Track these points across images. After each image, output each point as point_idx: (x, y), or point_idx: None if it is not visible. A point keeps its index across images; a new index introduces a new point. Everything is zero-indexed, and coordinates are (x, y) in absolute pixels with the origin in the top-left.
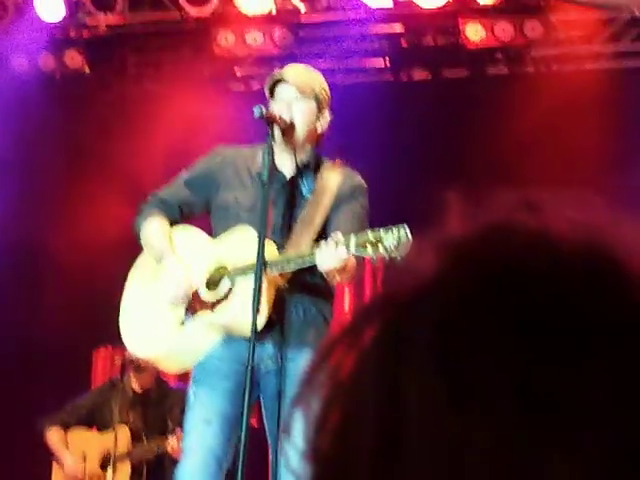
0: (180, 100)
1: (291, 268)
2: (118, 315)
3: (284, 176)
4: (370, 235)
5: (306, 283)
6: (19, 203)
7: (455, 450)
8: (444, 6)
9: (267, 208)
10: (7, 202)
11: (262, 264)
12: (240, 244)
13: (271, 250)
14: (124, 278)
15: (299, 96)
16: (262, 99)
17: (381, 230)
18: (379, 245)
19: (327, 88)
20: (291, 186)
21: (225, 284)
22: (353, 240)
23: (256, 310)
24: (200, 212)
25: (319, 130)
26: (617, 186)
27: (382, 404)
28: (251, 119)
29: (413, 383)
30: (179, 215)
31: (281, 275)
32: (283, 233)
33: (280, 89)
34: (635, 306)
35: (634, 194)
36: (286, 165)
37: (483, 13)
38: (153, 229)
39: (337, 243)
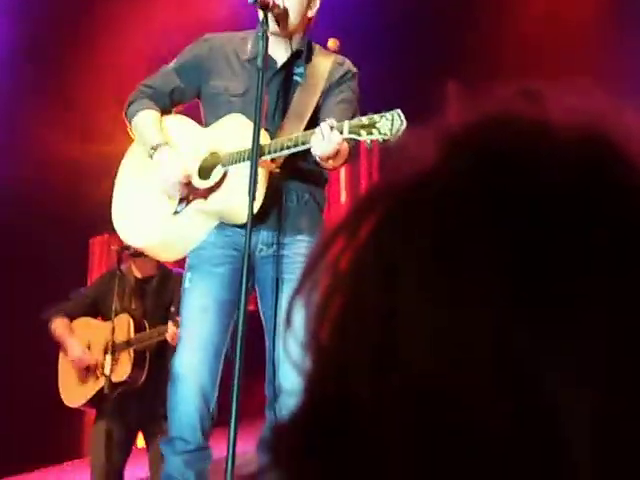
0: None
1: (284, 153)
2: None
3: (276, 63)
4: (364, 120)
5: (299, 169)
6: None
7: (455, 340)
8: None
9: (262, 95)
10: None
11: (257, 150)
12: (232, 131)
13: (263, 136)
14: (116, 168)
15: None
16: None
17: (375, 115)
18: (373, 129)
19: None
20: (284, 73)
21: (218, 171)
22: (347, 124)
23: (252, 196)
24: (190, 99)
25: (310, 15)
26: (618, 74)
27: (381, 293)
28: (243, 4)
29: (412, 272)
30: (170, 103)
31: (274, 161)
32: (275, 120)
33: None
34: (635, 189)
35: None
36: (278, 52)
37: None
38: (144, 119)
39: (331, 127)
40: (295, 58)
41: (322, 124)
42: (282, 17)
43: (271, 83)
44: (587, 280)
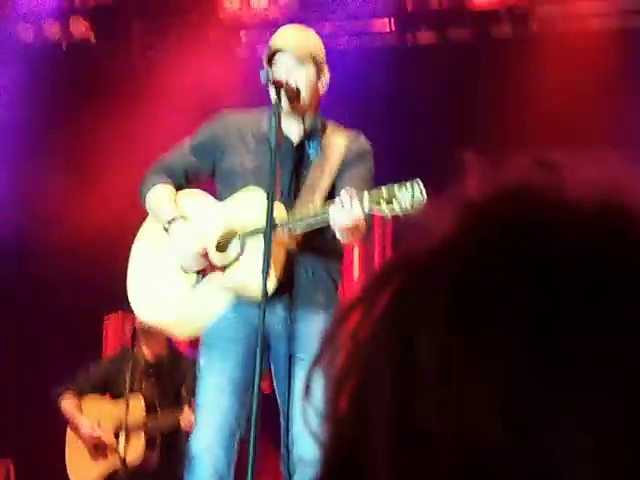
0: (186, 67)
1: (302, 228)
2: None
3: (291, 141)
4: (384, 191)
5: (316, 244)
6: (24, 173)
7: (469, 405)
8: None
9: (275, 172)
10: (10, 170)
11: (271, 228)
12: (249, 205)
13: (280, 211)
14: (131, 244)
15: (298, 63)
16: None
17: (395, 186)
18: (393, 201)
19: (322, 46)
20: (298, 151)
21: (235, 246)
22: (366, 194)
23: (266, 274)
24: (205, 177)
25: (321, 91)
26: (622, 144)
27: (399, 365)
28: (257, 84)
29: (428, 343)
30: (184, 181)
31: (291, 236)
32: (290, 197)
33: (279, 58)
34: None
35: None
36: (292, 130)
37: None
38: (159, 194)
39: (351, 198)
40: (309, 135)
41: (342, 192)
42: (294, 96)
43: (285, 160)
44: (600, 338)
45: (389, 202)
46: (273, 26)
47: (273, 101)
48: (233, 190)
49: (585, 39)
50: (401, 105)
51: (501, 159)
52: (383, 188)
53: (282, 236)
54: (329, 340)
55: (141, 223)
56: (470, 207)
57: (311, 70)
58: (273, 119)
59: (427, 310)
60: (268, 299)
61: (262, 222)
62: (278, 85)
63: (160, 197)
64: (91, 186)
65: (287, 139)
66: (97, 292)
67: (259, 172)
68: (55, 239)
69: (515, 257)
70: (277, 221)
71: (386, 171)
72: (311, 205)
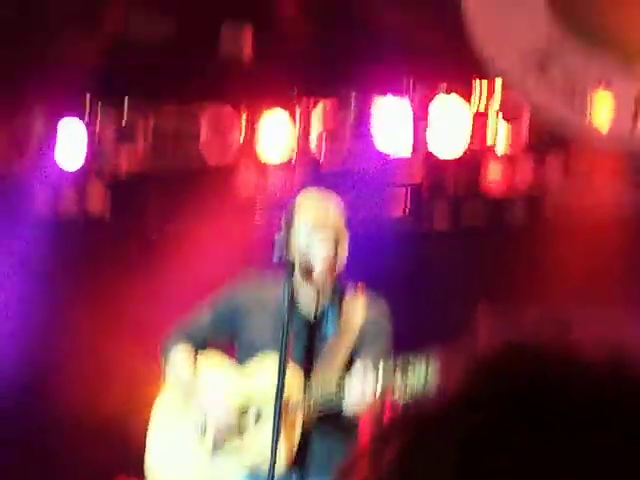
0: (201, 245)
1: (317, 411)
2: (135, 443)
3: (307, 313)
4: (399, 362)
5: (332, 417)
6: (35, 345)
7: None
8: (463, 156)
9: (287, 351)
10: (22, 341)
11: (281, 401)
12: (265, 374)
13: (297, 386)
14: (139, 406)
15: (316, 236)
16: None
17: (410, 359)
18: (408, 374)
19: (342, 213)
20: (314, 323)
21: (252, 417)
22: (382, 365)
23: (274, 456)
24: (224, 341)
25: (339, 262)
26: None
27: None
28: (272, 262)
29: None
30: (203, 346)
31: (307, 415)
32: (305, 371)
33: (297, 228)
34: None
35: None
36: (308, 301)
37: (503, 163)
38: (179, 361)
39: (366, 367)
40: (325, 307)
41: (357, 364)
42: (309, 272)
43: (301, 333)
44: None
45: (404, 374)
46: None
47: (287, 275)
48: (247, 358)
49: (599, 226)
50: (415, 287)
51: (516, 312)
52: (398, 360)
53: (297, 414)
54: None
55: (147, 386)
56: (480, 363)
57: (329, 242)
58: (286, 297)
59: (435, 467)
60: (282, 474)
61: (273, 393)
62: (291, 262)
63: (180, 365)
64: (106, 364)
65: (302, 312)
66: (105, 453)
67: (275, 344)
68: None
69: (524, 415)
70: (293, 399)
71: (401, 324)
72: (327, 383)
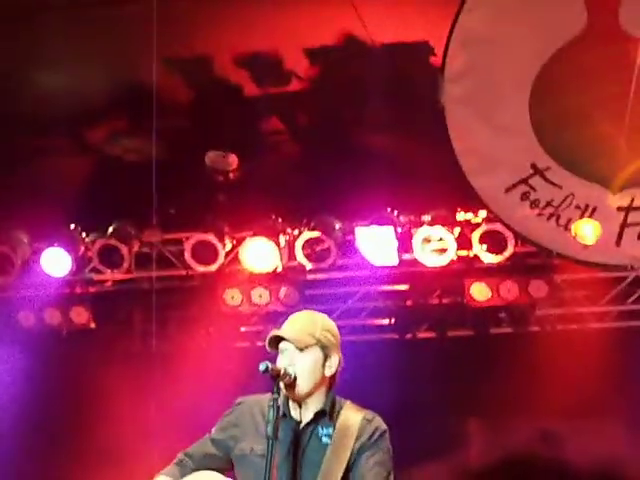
0: (186, 358)
1: None
2: None
3: (299, 423)
4: None
5: None
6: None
7: None
8: (449, 265)
9: (271, 465)
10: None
11: None
12: None
13: None
14: None
15: (297, 351)
16: (267, 354)
17: None
18: None
19: (332, 328)
20: (308, 434)
21: None
22: None
23: None
24: (225, 467)
25: (328, 374)
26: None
27: None
28: (257, 374)
29: None
30: (197, 465)
31: None
32: None
33: (281, 345)
34: None
35: None
36: (302, 412)
37: (488, 273)
38: None
39: None
40: (319, 417)
41: None
42: (292, 385)
43: (294, 445)
44: None
45: None
46: (274, 318)
47: (272, 391)
48: (246, 476)
49: (584, 338)
50: (401, 392)
51: (505, 428)
52: None
53: None
54: None
55: None
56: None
57: (313, 356)
58: (271, 410)
59: None
60: None
61: None
62: (276, 375)
63: None
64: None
65: (294, 422)
66: None
67: (263, 456)
68: None
69: None
70: None
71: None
72: None
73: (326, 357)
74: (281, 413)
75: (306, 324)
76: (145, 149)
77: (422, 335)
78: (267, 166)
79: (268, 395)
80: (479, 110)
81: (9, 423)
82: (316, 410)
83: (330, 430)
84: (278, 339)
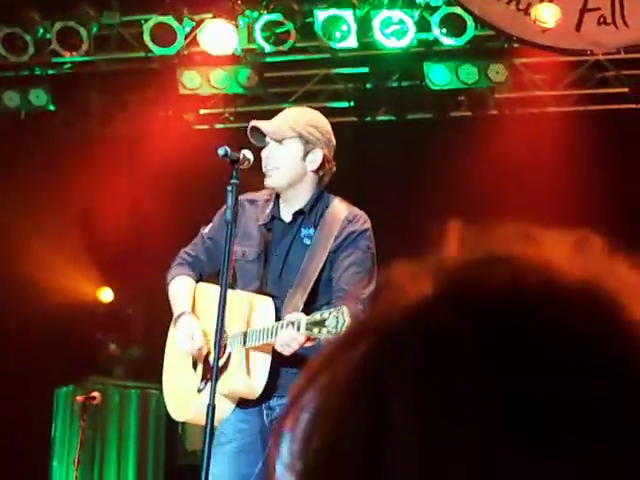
0: (145, 139)
1: (262, 342)
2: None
3: (283, 221)
4: (317, 317)
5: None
6: None
7: (440, 466)
8: (408, 48)
9: (230, 255)
10: None
11: (222, 326)
12: (241, 307)
13: (266, 316)
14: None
15: (276, 144)
16: (225, 137)
17: (325, 312)
18: (323, 328)
19: (321, 125)
20: (292, 234)
21: (227, 351)
22: (304, 322)
23: (214, 382)
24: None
25: (310, 169)
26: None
27: (367, 425)
28: (214, 158)
29: (398, 404)
30: (210, 267)
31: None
32: (281, 283)
33: (266, 138)
34: (633, 351)
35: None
36: (285, 210)
37: (448, 56)
38: (177, 286)
39: (291, 324)
40: (301, 217)
41: (286, 319)
42: (272, 173)
43: (280, 244)
44: (583, 422)
45: (320, 329)
46: (232, 101)
47: (231, 176)
48: (240, 279)
49: (543, 122)
50: (358, 181)
51: (486, 229)
52: (317, 314)
53: (253, 345)
54: (296, 399)
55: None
56: (449, 271)
57: (290, 148)
58: (229, 195)
59: (396, 375)
60: (265, 394)
61: (244, 326)
62: (234, 161)
63: (177, 290)
64: (38, 257)
65: (280, 221)
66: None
67: (256, 261)
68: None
69: (491, 329)
70: (247, 330)
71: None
72: (299, 301)
73: (308, 152)
74: (269, 212)
75: (289, 117)
76: None
77: (381, 118)
78: None
79: (264, 195)
80: None
81: None
82: (295, 210)
83: (311, 231)
84: (253, 132)
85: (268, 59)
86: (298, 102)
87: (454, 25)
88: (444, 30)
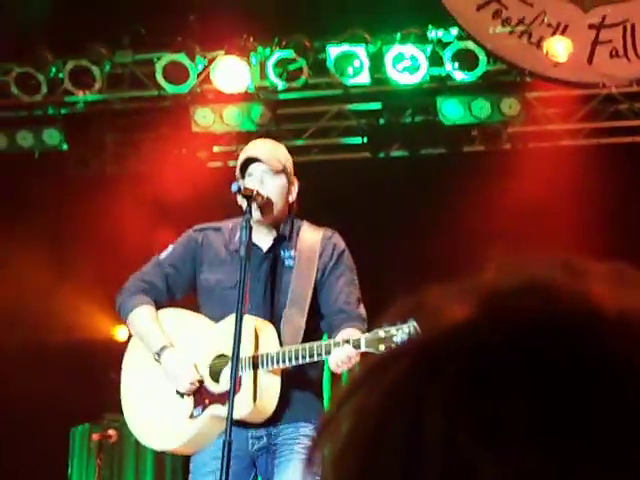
0: (158, 177)
1: (299, 362)
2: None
3: (261, 249)
4: (381, 333)
5: (302, 366)
6: None
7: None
8: (421, 83)
9: (244, 287)
10: None
11: (238, 354)
12: (261, 336)
13: (272, 339)
14: None
15: (271, 173)
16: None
17: (392, 329)
18: (391, 343)
19: (290, 158)
20: (271, 259)
21: (227, 374)
22: (364, 340)
23: (232, 402)
24: (185, 292)
25: (291, 200)
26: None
27: (406, 441)
28: (228, 195)
29: (438, 421)
30: (165, 294)
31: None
32: (266, 306)
33: (252, 167)
34: None
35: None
36: (262, 239)
37: (460, 90)
38: (141, 318)
39: (347, 342)
40: (280, 242)
41: (339, 338)
42: (267, 207)
43: (260, 270)
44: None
45: (387, 345)
46: (246, 139)
47: (244, 212)
48: (213, 306)
49: (556, 156)
50: (372, 214)
51: (529, 256)
52: (380, 331)
53: (276, 367)
54: (332, 416)
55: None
56: (489, 295)
57: (282, 179)
58: (244, 231)
59: (439, 392)
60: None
61: (251, 350)
62: (248, 195)
63: (143, 322)
64: (55, 295)
65: (258, 248)
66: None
67: (236, 286)
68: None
69: (533, 353)
70: (275, 352)
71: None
72: (297, 321)
73: (290, 183)
74: (237, 239)
75: (274, 150)
76: None
77: (395, 154)
78: None
79: (227, 223)
80: None
81: None
82: (274, 236)
83: (292, 252)
84: (248, 163)
85: (281, 96)
86: (311, 138)
87: (466, 60)
88: (456, 65)
